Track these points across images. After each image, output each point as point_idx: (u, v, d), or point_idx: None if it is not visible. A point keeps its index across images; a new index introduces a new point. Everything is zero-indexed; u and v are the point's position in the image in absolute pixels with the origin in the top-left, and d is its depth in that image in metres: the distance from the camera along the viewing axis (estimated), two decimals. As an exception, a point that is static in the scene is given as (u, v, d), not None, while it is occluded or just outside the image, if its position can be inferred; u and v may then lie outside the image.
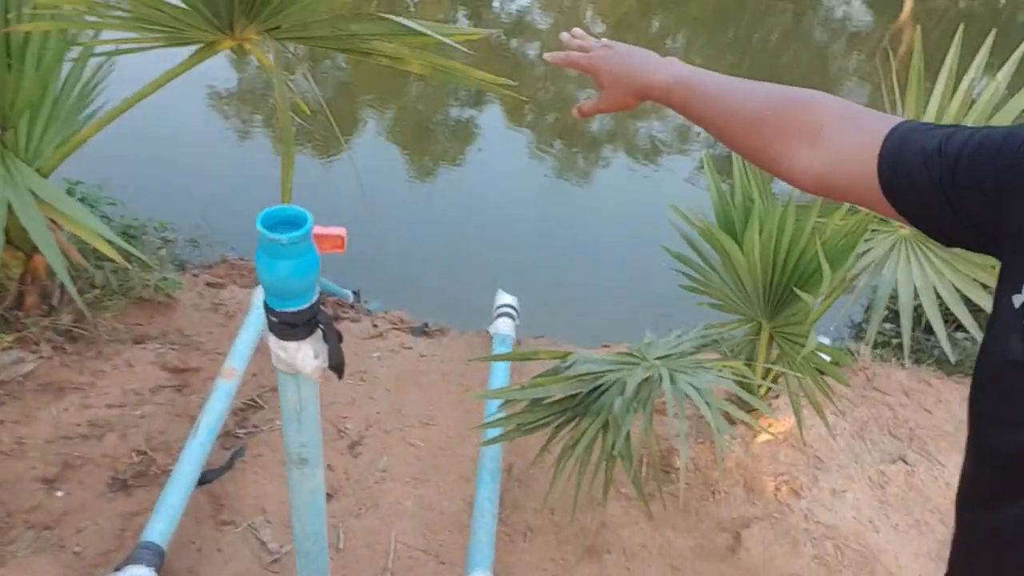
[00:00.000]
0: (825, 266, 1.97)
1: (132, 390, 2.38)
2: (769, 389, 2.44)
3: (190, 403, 2.41)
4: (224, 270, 3.41)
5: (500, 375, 2.60)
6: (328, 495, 2.19)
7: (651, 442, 1.80)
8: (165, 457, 2.19)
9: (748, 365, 2.43)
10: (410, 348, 2.95)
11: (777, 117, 0.84)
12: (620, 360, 1.97)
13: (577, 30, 1.12)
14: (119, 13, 1.69)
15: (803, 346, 2.12)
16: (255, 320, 2.48)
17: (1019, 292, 0.63)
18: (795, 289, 2.01)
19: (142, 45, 1.79)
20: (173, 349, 2.61)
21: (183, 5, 1.66)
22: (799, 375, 2.20)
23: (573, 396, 1.94)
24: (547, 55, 1.12)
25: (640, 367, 1.91)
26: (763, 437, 2.47)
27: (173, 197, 3.75)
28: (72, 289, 2.05)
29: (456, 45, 1.69)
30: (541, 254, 4.08)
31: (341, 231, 1.26)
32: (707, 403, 1.81)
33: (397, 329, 3.11)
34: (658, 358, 1.99)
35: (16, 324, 2.33)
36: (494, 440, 2.00)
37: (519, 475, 2.29)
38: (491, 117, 5.50)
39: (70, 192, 2.63)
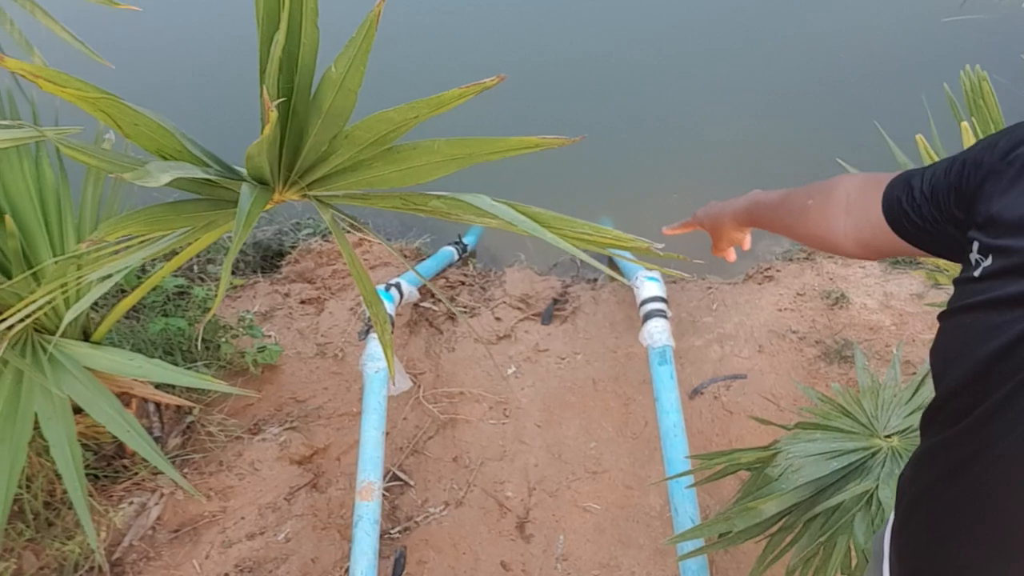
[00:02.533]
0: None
1: (268, 505, 2.14)
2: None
3: (331, 503, 2.16)
4: (311, 263, 3.05)
5: (666, 386, 2.19)
6: (512, 608, 1.95)
7: None
8: (327, 594, 1.98)
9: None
10: (546, 350, 2.56)
11: (817, 205, 0.94)
12: (844, 450, 1.53)
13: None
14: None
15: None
16: (375, 404, 2.13)
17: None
18: None
19: (173, 237, 1.32)
20: (293, 429, 2.33)
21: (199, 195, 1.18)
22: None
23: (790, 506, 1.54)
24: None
25: (875, 468, 1.47)
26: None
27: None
28: (150, 452, 1.74)
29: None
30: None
31: None
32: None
33: (524, 318, 2.72)
34: (891, 435, 1.54)
35: (125, 474, 2.09)
36: (692, 554, 1.65)
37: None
38: None
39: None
